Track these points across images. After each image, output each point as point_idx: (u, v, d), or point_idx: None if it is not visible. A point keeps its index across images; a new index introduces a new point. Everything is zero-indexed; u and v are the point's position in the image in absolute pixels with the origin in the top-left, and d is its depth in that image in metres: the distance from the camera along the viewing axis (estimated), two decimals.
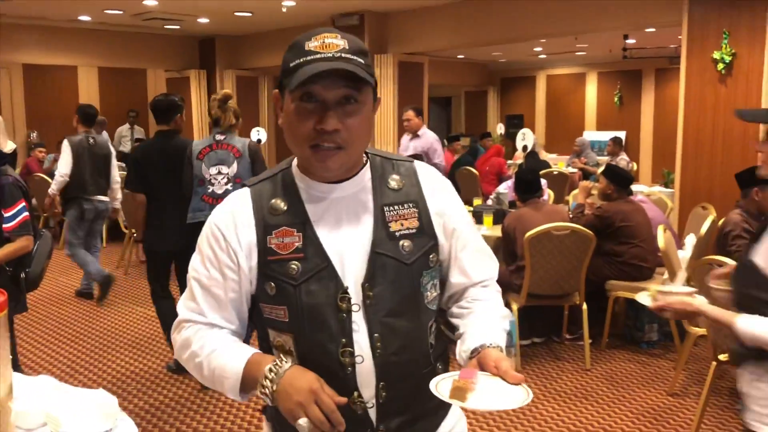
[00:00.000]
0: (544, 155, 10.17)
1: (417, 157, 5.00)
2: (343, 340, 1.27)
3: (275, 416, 1.32)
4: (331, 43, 1.22)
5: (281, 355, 1.27)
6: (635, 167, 11.12)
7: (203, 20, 9.46)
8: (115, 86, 11.18)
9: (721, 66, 5.75)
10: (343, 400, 1.19)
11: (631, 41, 10.36)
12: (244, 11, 8.73)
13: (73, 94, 10.84)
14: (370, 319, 1.28)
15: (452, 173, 8.81)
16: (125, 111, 10.61)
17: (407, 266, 1.31)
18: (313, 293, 1.27)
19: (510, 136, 11.63)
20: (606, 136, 12.02)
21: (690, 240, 4.45)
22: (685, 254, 4.18)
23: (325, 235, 1.30)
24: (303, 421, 1.15)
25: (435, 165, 5.26)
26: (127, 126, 10.58)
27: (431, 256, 1.35)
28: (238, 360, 1.26)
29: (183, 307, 1.37)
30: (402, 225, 1.32)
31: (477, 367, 1.22)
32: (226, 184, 3.94)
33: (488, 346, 1.26)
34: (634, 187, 7.63)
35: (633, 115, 13.31)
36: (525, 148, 7.21)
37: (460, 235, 1.39)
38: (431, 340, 1.37)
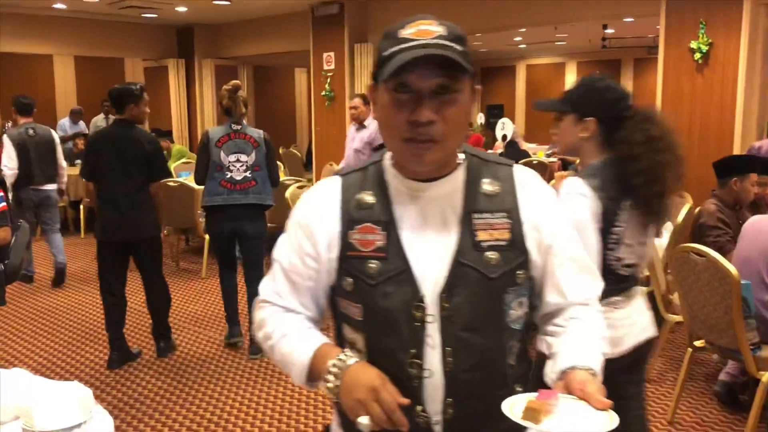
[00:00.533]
0: (524, 145, 10.22)
1: (377, 149, 4.99)
2: (413, 350, 1.21)
3: (342, 410, 1.25)
4: (427, 30, 1.15)
5: (347, 351, 1.22)
6: None
7: (181, 8, 9.36)
8: (91, 75, 11.03)
9: (698, 56, 5.80)
10: (406, 401, 1.14)
11: (610, 31, 10.42)
12: (222, 0, 8.64)
13: (49, 84, 10.70)
14: (444, 331, 1.21)
15: None
16: (102, 100, 10.49)
17: (491, 281, 1.22)
18: (389, 296, 1.22)
19: (491, 126, 11.66)
20: None
21: (666, 228, 4.50)
22: (661, 242, 4.24)
23: (408, 236, 1.24)
24: (363, 419, 1.11)
25: None
26: (102, 116, 10.46)
27: (519, 272, 1.25)
28: (307, 349, 1.24)
29: (264, 285, 1.35)
30: (491, 236, 1.23)
31: (563, 389, 1.13)
32: (245, 171, 4.23)
33: (579, 368, 1.16)
34: None
35: None
36: (504, 137, 7.24)
37: (557, 251, 1.28)
38: (511, 360, 1.28)
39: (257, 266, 4.35)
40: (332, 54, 8.78)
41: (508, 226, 1.24)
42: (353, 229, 1.25)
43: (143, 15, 9.93)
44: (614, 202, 2.01)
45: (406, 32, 1.15)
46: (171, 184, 6.28)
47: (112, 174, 4.03)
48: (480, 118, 12.62)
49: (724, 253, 3.48)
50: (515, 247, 1.24)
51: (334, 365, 1.17)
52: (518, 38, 12.29)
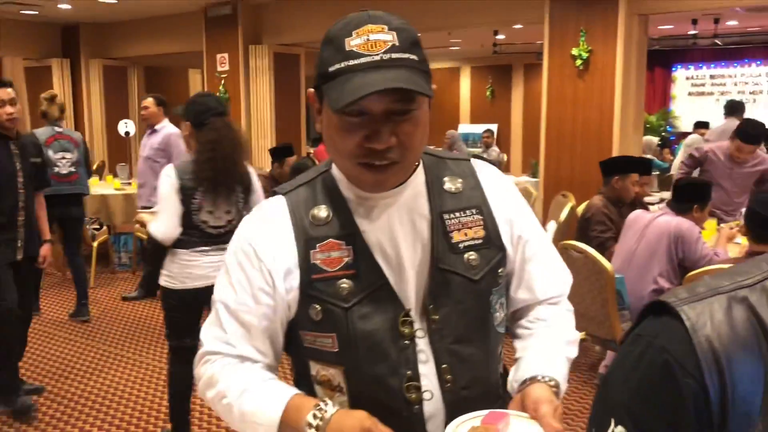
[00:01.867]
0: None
1: (165, 155, 5.14)
2: (408, 372, 1.09)
3: None
4: (377, 40, 1.01)
5: (325, 400, 1.07)
6: (505, 158, 11.60)
7: (65, 6, 8.91)
8: None
9: (579, 62, 6.10)
10: None
11: (501, 37, 10.77)
12: None
13: None
14: (435, 347, 1.10)
15: None
16: None
17: (475, 283, 1.13)
18: (368, 317, 1.09)
19: None
20: (479, 128, 12.46)
21: (551, 226, 4.73)
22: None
23: (377, 248, 1.11)
24: None
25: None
26: None
27: (500, 270, 1.17)
28: (275, 405, 1.06)
29: (208, 335, 1.16)
30: (466, 235, 1.14)
31: (519, 403, 1.05)
32: (70, 166, 5.21)
33: (540, 380, 1.07)
34: None
35: (504, 109, 13.86)
36: None
37: (526, 244, 1.20)
38: (500, 368, 1.22)
39: (78, 243, 5.41)
40: (226, 55, 8.62)
41: (481, 223, 1.16)
42: (314, 248, 1.11)
43: (22, 12, 9.39)
44: (192, 182, 2.84)
45: (354, 42, 1.02)
46: None
47: None
48: None
49: (605, 249, 3.69)
50: (492, 243, 1.16)
51: (314, 416, 1.02)
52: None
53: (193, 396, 3.11)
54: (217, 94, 8.75)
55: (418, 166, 1.17)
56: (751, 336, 0.61)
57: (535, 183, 7.11)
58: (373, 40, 1.02)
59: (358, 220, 1.13)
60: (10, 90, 3.48)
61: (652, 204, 5.24)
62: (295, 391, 1.10)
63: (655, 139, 8.51)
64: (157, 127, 5.40)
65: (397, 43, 1.02)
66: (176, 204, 2.84)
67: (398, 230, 1.13)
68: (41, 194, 3.81)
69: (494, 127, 12.95)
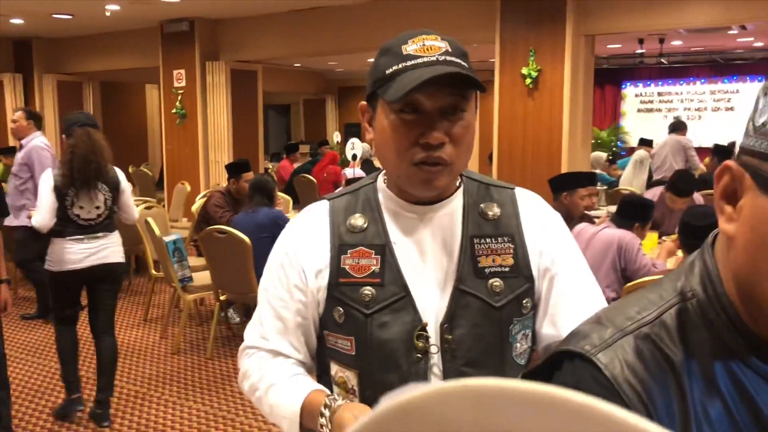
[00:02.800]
0: (378, 163, 10.52)
1: (29, 169, 5.13)
2: None
3: None
4: (432, 46, 1.08)
5: (334, 393, 1.14)
6: None
7: (17, 21, 8.81)
8: None
9: (528, 81, 6.30)
10: None
11: None
12: (63, 13, 8.24)
13: None
14: (446, 366, 1.12)
15: (291, 181, 8.89)
16: None
17: (495, 310, 1.13)
18: (386, 326, 1.12)
19: None
20: None
21: None
22: None
23: (405, 261, 1.15)
24: None
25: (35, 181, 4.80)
26: None
27: (525, 301, 1.16)
28: (296, 398, 1.13)
29: (249, 331, 1.25)
30: (493, 261, 1.15)
31: None
32: None
33: None
34: None
35: None
36: (354, 156, 7.44)
37: (555, 276, 1.18)
38: None
39: None
40: (183, 71, 8.63)
41: (511, 252, 1.16)
42: (346, 254, 1.16)
43: None
44: (61, 181, 3.41)
45: (411, 48, 1.08)
46: None
47: None
48: (336, 137, 12.84)
49: None
50: (520, 273, 1.16)
51: (326, 406, 1.08)
52: (372, 59, 12.63)
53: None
54: (174, 110, 8.76)
55: (458, 188, 1.20)
56: (659, 369, 0.66)
57: None
58: (428, 45, 1.08)
59: (392, 232, 1.17)
60: None
61: (599, 218, 5.42)
62: (316, 386, 1.17)
63: (604, 155, 8.78)
64: (23, 141, 5.23)
65: (450, 50, 1.09)
66: (51, 200, 3.43)
67: (428, 247, 1.16)
68: None
69: None
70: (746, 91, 12.45)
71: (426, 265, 1.15)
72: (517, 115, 6.43)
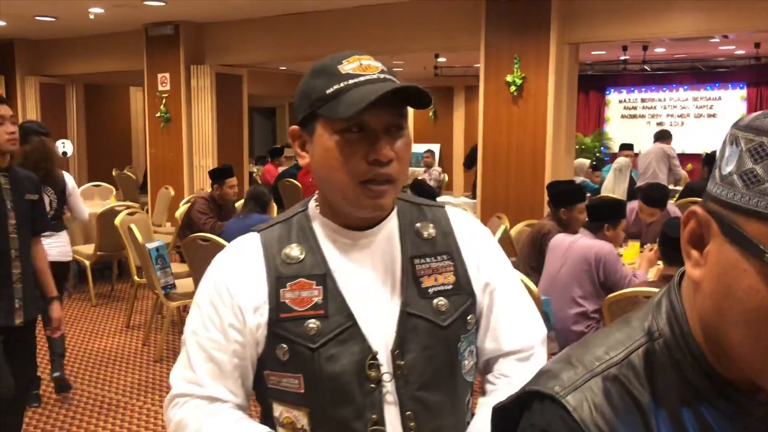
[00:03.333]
0: None
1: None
2: (374, 416, 1.08)
3: None
4: (369, 65, 1.08)
5: None
6: (446, 178, 11.83)
7: None
8: None
9: (513, 88, 6.33)
10: None
11: (442, 60, 11.02)
12: (46, 16, 8.18)
13: None
14: (401, 393, 1.10)
15: (276, 185, 8.86)
16: None
17: (442, 329, 1.12)
18: (335, 359, 1.08)
19: None
20: (423, 148, 12.69)
21: None
22: None
23: (348, 289, 1.11)
24: None
25: None
26: None
27: (469, 317, 1.16)
28: None
29: (177, 377, 1.15)
30: (436, 280, 1.14)
31: None
32: None
33: None
34: (442, 198, 8.13)
35: (446, 129, 14.14)
36: None
37: (494, 291, 1.19)
38: (468, 418, 1.18)
39: None
40: (167, 75, 8.59)
41: (452, 269, 1.16)
42: (285, 287, 1.11)
43: None
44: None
45: (348, 67, 1.06)
46: None
47: None
48: None
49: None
50: (462, 290, 1.16)
51: None
52: None
53: None
54: (158, 113, 8.71)
55: (393, 210, 1.18)
56: (627, 411, 0.67)
57: (473, 204, 7.30)
58: (365, 64, 1.08)
59: (331, 261, 1.13)
60: (8, 107, 2.94)
61: None
62: (262, 428, 1.10)
63: (587, 161, 8.83)
64: None
65: (385, 69, 1.10)
66: None
67: (370, 272, 1.13)
68: (40, 240, 3.11)
69: (437, 147, 13.21)
70: (728, 98, 12.59)
71: (369, 291, 1.13)
72: (502, 122, 6.45)
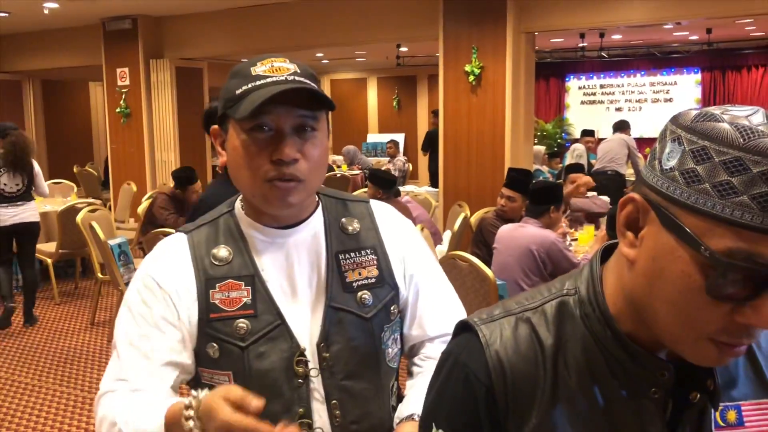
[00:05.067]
0: (330, 158, 10.57)
1: None
2: (301, 410, 1.12)
3: None
4: (281, 67, 1.10)
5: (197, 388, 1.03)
6: (411, 168, 11.92)
7: None
8: None
9: (471, 78, 6.42)
10: (261, 401, 0.93)
11: (403, 49, 11.07)
12: None
13: None
14: (326, 384, 1.14)
15: None
16: None
17: (366, 321, 1.17)
18: (264, 356, 1.11)
19: None
20: (387, 138, 12.75)
21: (446, 235, 4.97)
22: (442, 248, 4.67)
23: (276, 288, 1.15)
24: None
25: None
26: None
27: (392, 308, 1.21)
28: (158, 412, 1.03)
29: (105, 377, 1.14)
30: (360, 275, 1.19)
31: None
32: None
33: (415, 419, 1.12)
34: (406, 188, 8.21)
35: (410, 118, 14.22)
36: None
37: (419, 281, 1.25)
38: (393, 402, 1.23)
39: None
40: (126, 69, 8.50)
41: (375, 263, 1.20)
42: (214, 288, 1.13)
43: None
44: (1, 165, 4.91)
45: (259, 69, 1.09)
46: None
47: None
48: None
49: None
50: (385, 282, 1.20)
51: (188, 407, 0.97)
52: (320, 54, 12.64)
53: None
54: (118, 109, 8.63)
55: (317, 207, 1.22)
56: (530, 348, 0.79)
57: (435, 193, 7.40)
58: (277, 66, 1.11)
59: (258, 260, 1.16)
60: None
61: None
62: (179, 399, 1.07)
63: (543, 148, 8.99)
64: None
65: (299, 71, 1.11)
66: None
67: (296, 270, 1.16)
68: None
69: (401, 136, 13.29)
70: (684, 82, 12.88)
71: (297, 288, 1.16)
72: (462, 111, 6.54)
